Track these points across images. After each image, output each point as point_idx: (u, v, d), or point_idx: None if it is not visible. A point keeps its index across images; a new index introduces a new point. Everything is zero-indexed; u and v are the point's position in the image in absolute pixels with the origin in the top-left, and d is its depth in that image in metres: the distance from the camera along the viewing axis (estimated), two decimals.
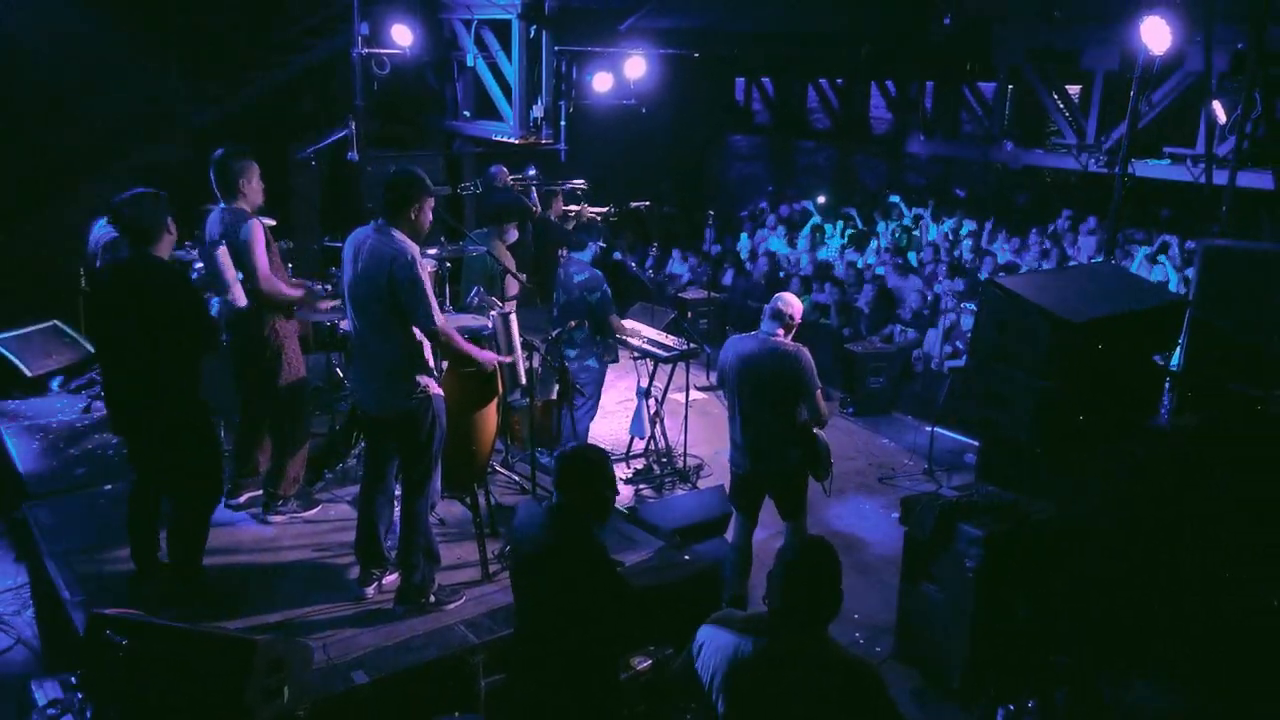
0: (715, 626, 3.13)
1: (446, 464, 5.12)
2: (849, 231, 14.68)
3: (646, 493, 7.10)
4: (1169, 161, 13.48)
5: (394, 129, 11.70)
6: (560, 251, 7.52)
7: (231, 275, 5.21)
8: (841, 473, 7.30)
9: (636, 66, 10.97)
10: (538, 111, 10.90)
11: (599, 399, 7.19)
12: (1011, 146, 16.25)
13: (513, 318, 5.47)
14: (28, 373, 7.52)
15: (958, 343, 9.54)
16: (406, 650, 4.60)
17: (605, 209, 9.53)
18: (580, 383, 6.74)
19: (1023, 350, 5.13)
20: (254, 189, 5.43)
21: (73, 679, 3.93)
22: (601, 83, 11.18)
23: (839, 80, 21.85)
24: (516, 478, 6.48)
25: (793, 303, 5.51)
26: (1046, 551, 5.33)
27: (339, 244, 4.83)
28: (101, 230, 7.03)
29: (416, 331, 4.63)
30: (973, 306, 9.24)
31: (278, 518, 5.79)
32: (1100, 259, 9.63)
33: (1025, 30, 14.79)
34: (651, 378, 7.38)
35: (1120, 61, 12.98)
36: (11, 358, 7.52)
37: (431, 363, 4.78)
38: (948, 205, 16.19)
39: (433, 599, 4.93)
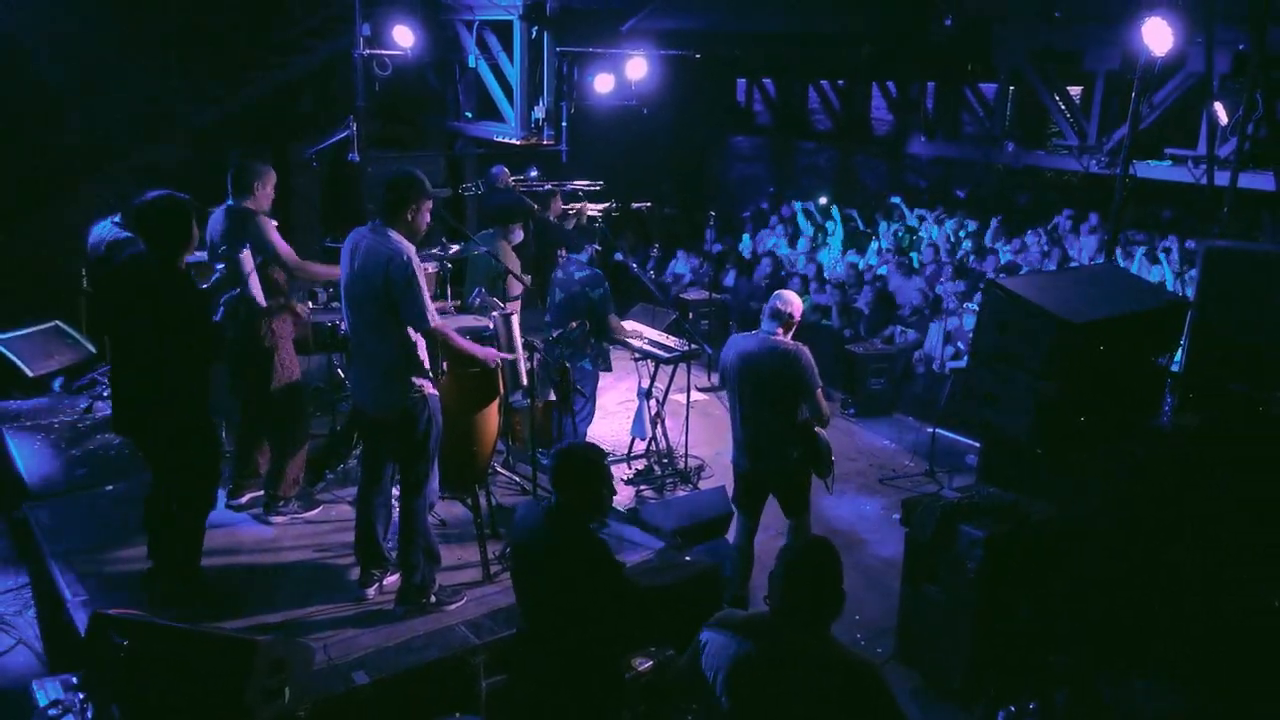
0: (718, 627, 3.13)
1: (448, 465, 5.13)
2: (837, 230, 14.61)
3: (647, 493, 7.09)
4: (1170, 163, 13.48)
5: (395, 130, 11.70)
6: (559, 252, 7.52)
7: (254, 279, 5.35)
8: (843, 473, 7.30)
9: (638, 67, 10.97)
10: (539, 112, 10.90)
11: (595, 401, 7.19)
12: (1013, 147, 16.26)
13: (514, 319, 5.48)
14: (29, 373, 7.53)
15: (959, 343, 9.54)
16: (407, 651, 4.61)
17: (606, 204, 9.53)
18: (577, 383, 6.74)
19: (1024, 351, 5.12)
20: (265, 194, 5.54)
21: (74, 679, 3.94)
22: (603, 84, 11.17)
23: (840, 81, 21.88)
24: (518, 479, 6.48)
25: (792, 301, 5.51)
26: (1047, 552, 5.34)
27: (339, 245, 4.85)
28: (104, 230, 7.03)
29: (412, 331, 4.64)
30: (974, 307, 9.25)
31: (279, 518, 5.80)
32: (1101, 259, 9.62)
33: (1026, 31, 14.79)
34: (653, 378, 7.38)
35: (1122, 62, 12.99)
36: (13, 358, 7.53)
37: (427, 363, 4.79)
38: (948, 206, 16.18)
39: (433, 599, 4.93)
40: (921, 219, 15.27)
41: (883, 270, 12.23)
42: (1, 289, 8.25)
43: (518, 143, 11.05)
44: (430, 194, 4.73)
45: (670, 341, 7.30)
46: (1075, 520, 5.48)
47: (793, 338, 5.49)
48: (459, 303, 7.27)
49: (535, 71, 10.77)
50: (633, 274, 8.09)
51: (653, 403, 7.33)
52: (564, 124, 11.01)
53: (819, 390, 5.45)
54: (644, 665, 4.30)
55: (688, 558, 5.33)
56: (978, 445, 7.56)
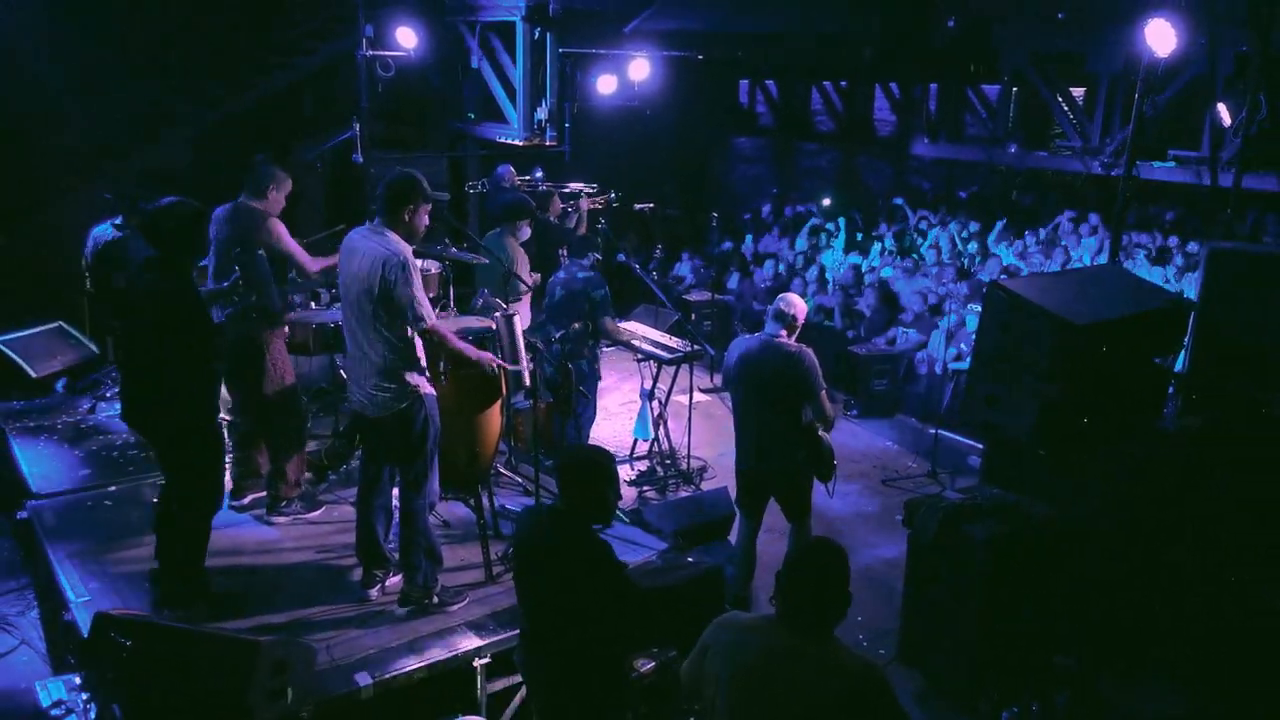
0: (721, 629, 3.12)
1: (450, 466, 5.12)
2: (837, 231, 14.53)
3: (650, 494, 7.08)
4: (1174, 164, 13.46)
5: (398, 131, 11.70)
6: (560, 251, 7.52)
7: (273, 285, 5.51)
8: (845, 474, 7.29)
9: (640, 69, 10.97)
10: (542, 113, 10.89)
11: (596, 403, 7.19)
12: (1015, 148, 16.24)
13: (517, 320, 5.46)
14: (32, 374, 7.52)
15: (962, 345, 9.53)
16: (410, 652, 4.60)
17: (606, 196, 9.52)
18: (579, 384, 6.74)
19: (1026, 352, 5.11)
20: (277, 199, 5.57)
21: (77, 679, 3.94)
22: (605, 85, 11.17)
23: (843, 82, 21.88)
24: (520, 480, 6.48)
25: (795, 303, 5.51)
26: (1049, 553, 5.33)
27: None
28: (104, 232, 7.05)
29: (409, 331, 4.64)
30: (977, 308, 9.23)
31: (281, 519, 5.80)
32: (1103, 259, 9.61)
33: (1029, 32, 14.78)
34: (655, 379, 7.38)
35: (1125, 64, 12.98)
36: (16, 359, 7.53)
37: (425, 364, 4.79)
38: (951, 207, 16.16)
39: (436, 600, 4.93)
40: (925, 220, 15.25)
41: (886, 272, 12.21)
42: (3, 289, 8.25)
43: (520, 144, 11.04)
44: (430, 196, 4.73)
45: (673, 343, 7.30)
46: (1077, 521, 5.48)
47: (796, 339, 5.49)
48: (450, 304, 7.26)
49: (538, 73, 10.77)
50: (636, 275, 8.08)
51: (655, 404, 7.33)
52: (567, 125, 11.00)
53: (823, 392, 5.45)
54: (646, 666, 4.30)
55: (690, 559, 5.32)
56: (980, 446, 7.55)
